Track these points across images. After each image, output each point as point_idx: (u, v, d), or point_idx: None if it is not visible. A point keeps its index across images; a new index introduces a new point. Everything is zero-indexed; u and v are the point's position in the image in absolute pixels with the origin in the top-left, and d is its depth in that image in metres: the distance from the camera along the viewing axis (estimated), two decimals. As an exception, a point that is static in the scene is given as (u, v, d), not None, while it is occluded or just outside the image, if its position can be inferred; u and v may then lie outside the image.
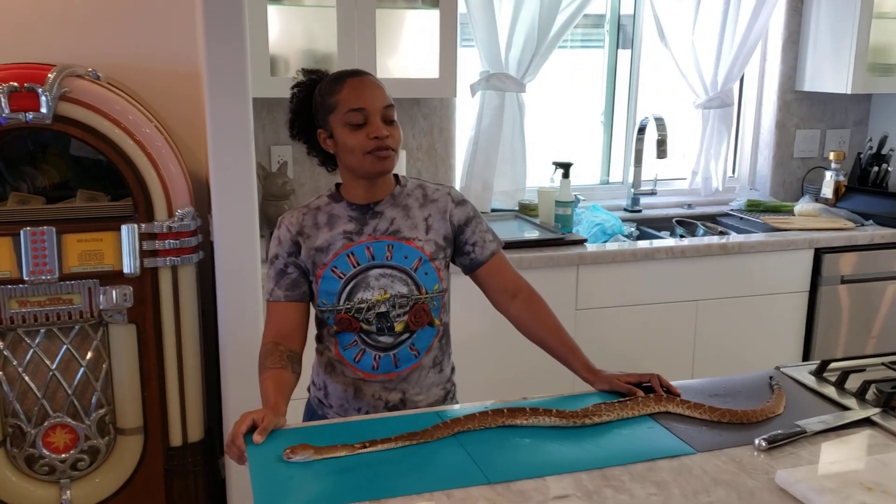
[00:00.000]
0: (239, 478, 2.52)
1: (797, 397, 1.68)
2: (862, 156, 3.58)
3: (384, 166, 1.70)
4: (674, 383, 1.69)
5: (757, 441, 1.45)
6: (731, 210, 3.54)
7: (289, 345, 1.73)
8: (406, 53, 2.95)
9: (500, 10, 3.15)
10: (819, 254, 3.10)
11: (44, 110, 2.28)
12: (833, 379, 1.73)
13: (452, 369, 1.91)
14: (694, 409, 1.57)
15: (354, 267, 1.73)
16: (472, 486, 1.32)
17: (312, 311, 1.83)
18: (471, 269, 1.84)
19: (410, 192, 1.81)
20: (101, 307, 2.41)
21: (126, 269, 2.41)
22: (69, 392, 2.45)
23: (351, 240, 1.74)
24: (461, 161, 3.33)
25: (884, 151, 3.51)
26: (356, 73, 1.73)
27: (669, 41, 3.45)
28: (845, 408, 1.61)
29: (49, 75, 2.28)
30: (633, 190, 3.53)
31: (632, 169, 3.55)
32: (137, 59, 2.79)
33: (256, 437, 1.48)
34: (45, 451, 2.46)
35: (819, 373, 1.77)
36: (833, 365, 1.79)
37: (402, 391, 1.80)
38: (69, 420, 2.46)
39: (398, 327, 1.76)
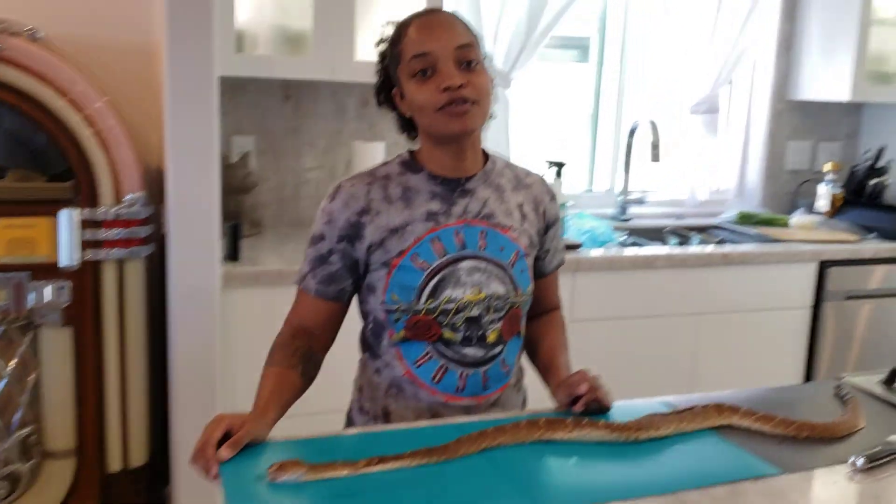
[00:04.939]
0: (189, 509, 2.19)
1: (869, 409, 1.43)
2: (857, 168, 3.42)
3: (462, 125, 1.35)
4: (723, 392, 1.44)
5: (852, 459, 1.19)
6: (722, 222, 3.34)
7: (308, 342, 1.43)
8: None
9: (487, -3, 2.92)
10: (823, 267, 2.91)
11: (-30, 70, 1.97)
12: (909, 390, 1.49)
13: (526, 392, 1.59)
14: (764, 421, 1.31)
15: (441, 256, 1.39)
16: (517, 515, 1.04)
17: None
18: (533, 277, 1.53)
19: (501, 171, 1.49)
20: (31, 306, 2.09)
21: (62, 262, 2.09)
22: (-12, 406, 2.11)
23: (437, 222, 1.40)
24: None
25: (881, 164, 3.36)
26: (425, 13, 1.41)
27: (657, 43, 3.26)
28: (933, 422, 1.37)
29: (-22, 32, 1.97)
30: (621, 198, 3.30)
31: (619, 177, 3.33)
32: (84, 27, 2.47)
33: (223, 452, 1.16)
34: (-43, 477, 2.10)
35: (890, 382, 1.54)
36: (906, 374, 1.55)
37: None
38: (-13, 440, 2.12)
39: (491, 337, 1.42)
